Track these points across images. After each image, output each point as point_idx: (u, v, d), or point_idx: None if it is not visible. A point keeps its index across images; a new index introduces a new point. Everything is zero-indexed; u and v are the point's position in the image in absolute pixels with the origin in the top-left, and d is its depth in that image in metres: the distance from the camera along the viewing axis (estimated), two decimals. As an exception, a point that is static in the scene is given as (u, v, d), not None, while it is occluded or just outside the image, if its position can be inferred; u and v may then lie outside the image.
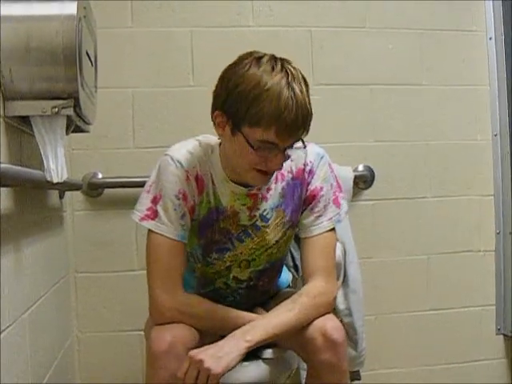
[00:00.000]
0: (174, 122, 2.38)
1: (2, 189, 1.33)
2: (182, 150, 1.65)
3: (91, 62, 1.61)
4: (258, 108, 1.45)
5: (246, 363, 1.73)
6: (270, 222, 1.73)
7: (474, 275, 2.61)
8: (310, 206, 1.72)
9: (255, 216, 1.71)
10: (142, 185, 2.27)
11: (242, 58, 1.53)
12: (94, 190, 2.33)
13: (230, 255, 1.76)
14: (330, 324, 1.61)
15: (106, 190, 2.35)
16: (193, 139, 1.70)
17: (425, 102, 2.55)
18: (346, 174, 2.39)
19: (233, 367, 1.48)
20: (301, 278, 2.12)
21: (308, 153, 1.72)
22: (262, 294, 1.91)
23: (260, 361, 1.75)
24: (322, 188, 1.71)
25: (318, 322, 1.62)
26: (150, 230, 1.63)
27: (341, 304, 2.29)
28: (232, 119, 1.51)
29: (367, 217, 2.50)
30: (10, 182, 1.26)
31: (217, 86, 1.56)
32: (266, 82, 1.45)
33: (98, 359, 2.40)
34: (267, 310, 1.77)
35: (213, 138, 1.70)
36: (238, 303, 1.80)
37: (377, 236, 2.53)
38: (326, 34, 2.47)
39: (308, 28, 2.45)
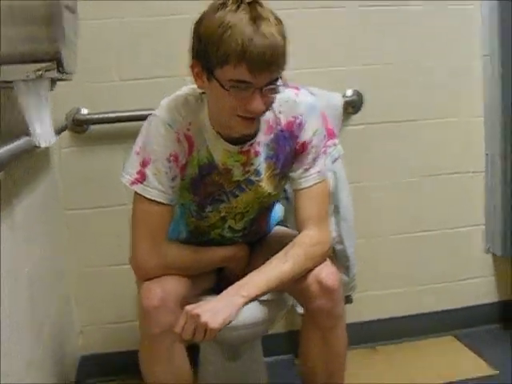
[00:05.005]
0: (158, 52, 2.29)
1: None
2: (171, 110, 1.60)
3: (71, 10, 1.52)
4: (224, 47, 1.40)
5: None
6: (262, 175, 1.71)
7: (463, 196, 2.63)
8: (299, 157, 1.69)
9: (249, 171, 1.69)
10: (127, 119, 2.27)
11: (210, 6, 1.48)
12: (79, 126, 2.28)
13: (226, 207, 1.75)
14: (324, 271, 1.63)
15: (92, 126, 2.30)
16: (181, 96, 1.64)
17: (412, 21, 2.47)
18: (336, 100, 2.35)
19: (229, 322, 1.48)
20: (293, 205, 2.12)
21: (298, 104, 1.67)
22: (255, 236, 1.92)
23: (257, 302, 1.75)
24: (311, 141, 1.68)
25: (313, 269, 1.63)
26: (137, 193, 1.61)
27: (332, 232, 2.31)
28: (205, 65, 1.47)
29: (357, 141, 2.48)
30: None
31: (191, 38, 1.51)
32: (229, 21, 1.40)
33: (95, 294, 2.44)
34: (261, 251, 1.83)
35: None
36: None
37: (367, 160, 2.52)
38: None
39: None
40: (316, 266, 1.64)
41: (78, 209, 2.36)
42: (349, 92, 2.44)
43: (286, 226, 2.04)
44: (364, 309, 2.61)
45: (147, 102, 2.25)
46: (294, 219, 1.78)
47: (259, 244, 1.93)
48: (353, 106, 2.45)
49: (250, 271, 1.80)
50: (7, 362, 1.34)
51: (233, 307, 1.49)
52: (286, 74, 2.40)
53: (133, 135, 2.27)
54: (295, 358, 2.55)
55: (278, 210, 2.03)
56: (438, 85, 2.52)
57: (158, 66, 2.30)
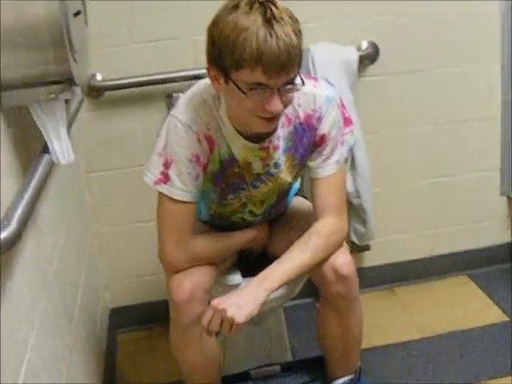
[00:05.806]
0: (170, 11, 2.24)
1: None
2: (189, 111, 1.58)
3: (77, 13, 1.49)
4: (239, 50, 1.39)
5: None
6: (282, 167, 1.72)
7: (479, 143, 2.63)
8: (318, 149, 1.70)
9: (268, 164, 1.70)
10: (142, 84, 2.27)
11: (223, 7, 1.45)
12: (95, 92, 2.28)
13: (246, 195, 1.77)
14: (339, 259, 1.69)
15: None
16: (198, 95, 1.62)
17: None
18: (350, 55, 2.32)
19: (254, 315, 1.55)
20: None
21: (316, 97, 1.64)
22: (275, 215, 1.96)
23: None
24: (330, 133, 1.68)
25: (329, 258, 1.69)
26: (161, 193, 1.63)
27: (350, 187, 2.35)
28: (221, 69, 1.46)
29: (373, 92, 2.46)
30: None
31: (206, 41, 1.49)
32: (242, 23, 1.38)
33: (118, 250, 2.53)
34: (281, 228, 1.91)
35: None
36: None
37: (383, 111, 2.51)
38: None
39: None
40: (332, 254, 1.70)
41: (98, 171, 2.40)
42: (364, 44, 2.38)
43: (303, 196, 2.07)
44: (382, 253, 2.69)
45: (160, 65, 2.28)
46: (309, 187, 1.81)
47: (278, 220, 1.97)
48: (369, 59, 2.41)
49: (270, 248, 1.88)
50: (49, 321, 1.48)
51: (256, 301, 1.56)
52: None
53: (149, 98, 2.32)
54: (316, 301, 2.65)
55: (295, 186, 2.04)
56: (453, 34, 2.45)
57: (168, 26, 2.26)
